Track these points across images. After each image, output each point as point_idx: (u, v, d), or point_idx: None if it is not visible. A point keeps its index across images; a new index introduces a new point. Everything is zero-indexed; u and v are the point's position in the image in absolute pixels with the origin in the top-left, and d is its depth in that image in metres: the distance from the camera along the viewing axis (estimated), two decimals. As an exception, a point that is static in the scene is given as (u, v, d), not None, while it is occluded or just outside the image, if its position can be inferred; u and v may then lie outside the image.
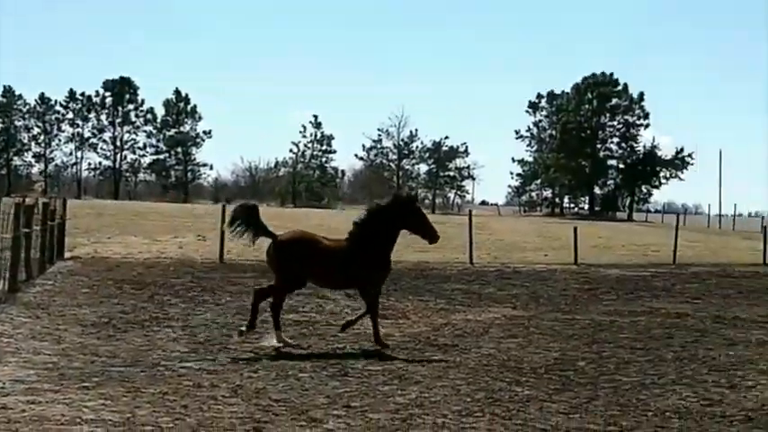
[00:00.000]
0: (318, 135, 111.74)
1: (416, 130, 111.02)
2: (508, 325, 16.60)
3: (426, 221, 13.72)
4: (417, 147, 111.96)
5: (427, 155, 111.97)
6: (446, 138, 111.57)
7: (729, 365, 12.97)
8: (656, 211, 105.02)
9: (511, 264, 31.79)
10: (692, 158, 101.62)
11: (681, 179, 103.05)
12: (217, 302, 18.42)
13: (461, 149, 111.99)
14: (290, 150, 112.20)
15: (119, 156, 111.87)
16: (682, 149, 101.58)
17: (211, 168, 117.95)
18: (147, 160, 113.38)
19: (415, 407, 9.68)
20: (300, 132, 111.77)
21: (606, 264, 33.49)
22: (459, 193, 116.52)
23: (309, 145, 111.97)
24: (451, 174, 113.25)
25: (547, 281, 26.14)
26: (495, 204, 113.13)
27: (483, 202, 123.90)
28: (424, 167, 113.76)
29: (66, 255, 28.01)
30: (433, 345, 14.03)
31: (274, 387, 10.43)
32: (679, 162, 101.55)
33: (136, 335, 14.01)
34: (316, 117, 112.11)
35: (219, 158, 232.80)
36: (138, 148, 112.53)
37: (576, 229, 35.08)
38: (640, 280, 27.46)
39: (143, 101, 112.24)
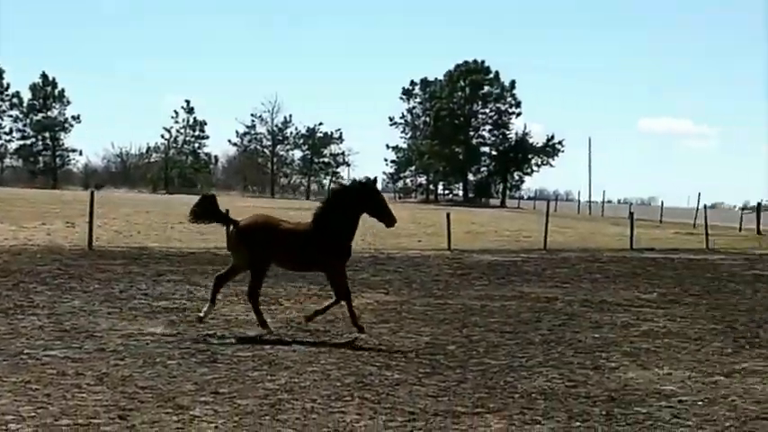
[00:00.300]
0: (191, 120, 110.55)
1: (290, 116, 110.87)
2: (380, 310, 16.67)
3: (386, 206, 14.00)
4: (291, 133, 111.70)
5: (302, 141, 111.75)
6: (320, 124, 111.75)
7: (595, 348, 13.26)
8: (529, 198, 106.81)
9: (385, 250, 31.90)
10: (562, 146, 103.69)
11: (552, 166, 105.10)
12: (85, 290, 18.00)
13: (336, 136, 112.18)
14: (162, 136, 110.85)
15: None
16: (552, 137, 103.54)
17: (81, 154, 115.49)
18: (13, 146, 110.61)
19: (285, 392, 9.64)
20: (173, 118, 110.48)
21: (479, 249, 33.87)
22: (333, 179, 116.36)
23: (182, 130, 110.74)
24: (326, 160, 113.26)
25: (420, 266, 26.30)
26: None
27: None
28: (298, 153, 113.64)
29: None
30: (304, 330, 13.97)
31: (141, 374, 10.27)
32: (550, 149, 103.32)
33: (-1, 322, 13.63)
34: (188, 102, 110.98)
35: (89, 144, 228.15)
36: (4, 133, 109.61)
37: (448, 216, 35.40)
38: (512, 265, 27.84)
39: (8, 85, 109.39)
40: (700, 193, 71.43)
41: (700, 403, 9.91)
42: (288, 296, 18.32)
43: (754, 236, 52.13)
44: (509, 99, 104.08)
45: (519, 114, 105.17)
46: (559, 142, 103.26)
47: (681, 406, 9.74)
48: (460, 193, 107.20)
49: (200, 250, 29.02)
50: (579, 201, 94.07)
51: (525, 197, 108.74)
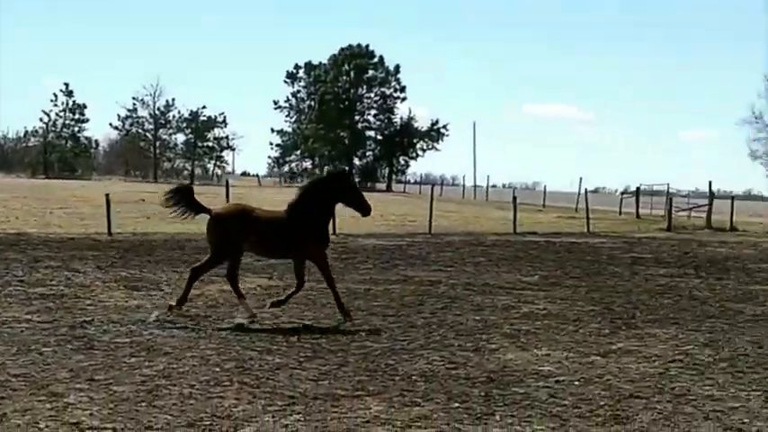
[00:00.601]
0: (71, 104, 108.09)
1: (173, 99, 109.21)
2: (263, 295, 16.56)
3: (361, 196, 14.32)
4: (174, 116, 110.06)
5: (185, 125, 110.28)
6: (204, 107, 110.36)
7: (475, 330, 13.40)
8: (415, 183, 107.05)
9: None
10: (447, 130, 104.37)
11: (437, 150, 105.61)
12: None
13: (220, 120, 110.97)
14: (41, 120, 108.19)
15: None
16: (437, 121, 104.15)
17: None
18: None
19: (162, 378, 9.50)
20: (51, 101, 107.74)
21: (364, 234, 33.88)
22: (218, 163, 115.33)
23: (61, 114, 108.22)
24: (210, 144, 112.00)
25: (304, 251, 26.20)
26: (256, 175, 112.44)
27: (244, 173, 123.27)
28: (181, 137, 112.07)
29: None
30: (185, 316, 13.77)
31: (14, 362, 10.03)
32: (435, 133, 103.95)
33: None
34: (67, 85, 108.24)
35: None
36: None
37: (333, 200, 35.26)
38: (396, 249, 27.94)
39: None
40: (581, 178, 72.24)
41: (576, 383, 10.06)
42: (168, 282, 18.06)
43: (633, 219, 53.26)
44: (393, 83, 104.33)
45: (404, 99, 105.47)
46: (444, 126, 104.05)
47: (557, 386, 9.88)
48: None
49: (80, 236, 28.46)
50: (464, 185, 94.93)
51: (411, 182, 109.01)
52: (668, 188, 60.70)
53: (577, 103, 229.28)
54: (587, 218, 43.51)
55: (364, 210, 14.24)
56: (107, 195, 30.43)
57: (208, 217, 13.81)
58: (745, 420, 8.81)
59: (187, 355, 10.69)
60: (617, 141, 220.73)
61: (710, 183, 50.76)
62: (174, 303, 13.63)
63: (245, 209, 14.02)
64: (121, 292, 16.34)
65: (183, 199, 13.88)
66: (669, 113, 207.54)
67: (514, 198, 42.58)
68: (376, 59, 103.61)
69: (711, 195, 50.40)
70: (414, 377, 10.03)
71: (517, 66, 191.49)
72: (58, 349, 10.76)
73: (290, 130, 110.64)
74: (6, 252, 22.44)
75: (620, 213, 58.28)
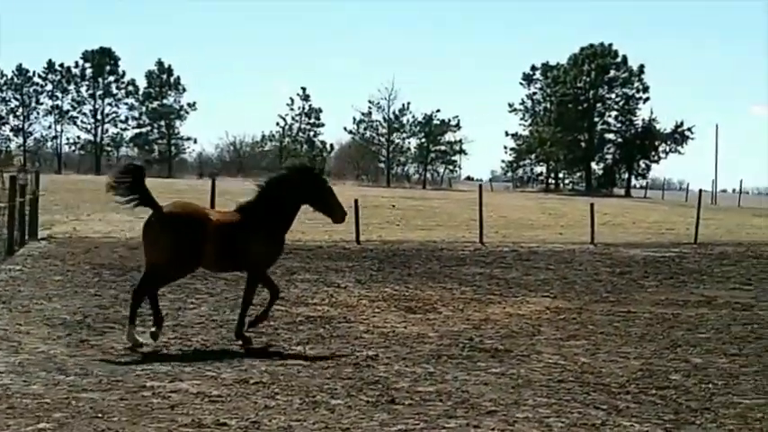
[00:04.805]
0: (306, 108, 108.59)
1: (408, 103, 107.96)
2: (557, 320, 13.99)
3: (333, 197, 11.83)
4: (408, 120, 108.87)
5: (418, 129, 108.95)
6: (437, 111, 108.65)
7: None
8: (641, 188, 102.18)
9: (524, 243, 29.39)
10: (692, 132, 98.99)
11: (681, 153, 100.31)
12: (210, 292, 15.73)
13: (453, 123, 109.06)
14: (277, 124, 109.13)
15: (99, 129, 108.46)
16: (681, 123, 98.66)
17: (195, 142, 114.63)
18: (129, 134, 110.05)
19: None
20: (288, 105, 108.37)
21: (623, 243, 31.10)
22: (449, 167, 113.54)
23: (297, 118, 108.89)
24: (443, 148, 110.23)
25: (570, 263, 23.70)
26: (480, 180, 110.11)
27: (468, 178, 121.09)
28: (414, 142, 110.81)
29: (42, 234, 25.37)
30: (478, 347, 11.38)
31: (302, 423, 7.77)
32: (678, 136, 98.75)
33: (116, 338, 11.31)
34: (304, 89, 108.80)
35: (204, 132, 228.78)
36: (120, 121, 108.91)
37: (592, 206, 32.63)
38: (670, 261, 25.19)
39: (124, 72, 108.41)
40: None
41: None
42: (443, 301, 15.75)
43: None
44: (636, 84, 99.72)
45: (647, 100, 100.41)
46: (689, 129, 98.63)
47: None
48: (581, 182, 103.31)
49: (328, 243, 26.78)
50: (715, 192, 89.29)
51: (642, 186, 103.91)
52: None
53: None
54: None
55: (337, 215, 11.77)
56: (356, 201, 28.59)
57: (150, 214, 11.12)
58: None
59: (518, 416, 8.15)
60: None
61: None
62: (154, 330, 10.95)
63: (198, 209, 11.43)
64: (395, 314, 14.16)
65: (134, 183, 11.05)
66: None
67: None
68: (619, 59, 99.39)
69: None
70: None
71: (740, 67, 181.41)
72: (350, 402, 8.43)
73: (525, 133, 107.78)
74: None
75: None
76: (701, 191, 41.01)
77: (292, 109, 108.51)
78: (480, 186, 35.06)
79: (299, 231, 30.39)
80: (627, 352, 11.58)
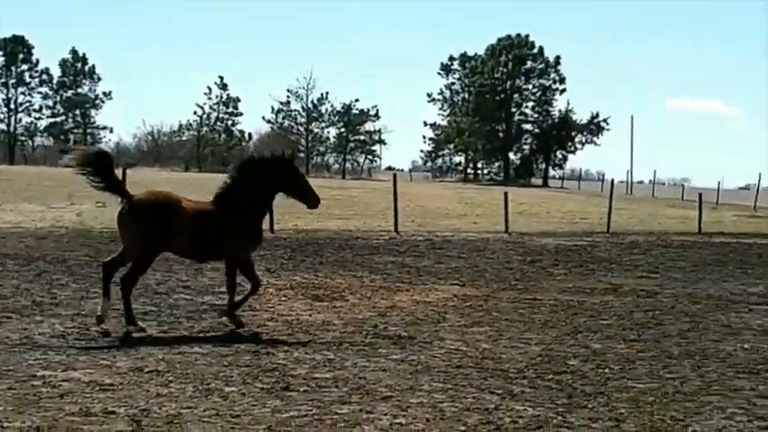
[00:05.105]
0: (224, 97, 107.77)
1: (326, 92, 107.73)
2: (463, 307, 14.06)
3: (307, 184, 12.22)
4: (327, 110, 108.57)
5: (337, 118, 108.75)
6: (356, 101, 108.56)
7: (756, 364, 10.57)
8: (560, 178, 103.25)
9: (439, 232, 29.48)
10: (607, 123, 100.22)
11: (596, 144, 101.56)
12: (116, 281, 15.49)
13: (372, 113, 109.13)
14: (195, 113, 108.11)
15: (13, 119, 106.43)
16: (597, 114, 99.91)
17: (111, 132, 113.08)
18: (43, 123, 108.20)
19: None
20: (206, 94, 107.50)
21: (537, 232, 31.40)
22: (369, 157, 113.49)
23: (215, 107, 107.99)
24: (362, 138, 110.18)
25: (483, 251, 23.85)
26: (401, 170, 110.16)
27: (389, 168, 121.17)
28: (333, 131, 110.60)
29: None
30: (386, 335, 11.38)
31: (193, 410, 7.67)
32: (594, 127, 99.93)
33: (11, 328, 11.09)
34: (222, 78, 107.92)
35: (121, 121, 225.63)
36: (34, 110, 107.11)
37: (506, 196, 32.87)
38: (581, 250, 25.54)
39: (38, 61, 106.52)
40: (760, 174, 67.46)
41: None
42: (351, 289, 15.72)
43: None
44: (553, 75, 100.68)
45: (563, 91, 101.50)
46: (605, 120, 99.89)
47: None
48: (498, 171, 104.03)
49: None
50: (631, 181, 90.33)
51: (559, 177, 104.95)
52: None
53: (722, 98, 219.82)
54: (779, 217, 39.93)
55: (312, 201, 12.03)
56: (269, 190, 28.35)
57: (122, 205, 11.25)
58: None
59: (412, 401, 8.19)
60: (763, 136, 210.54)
61: None
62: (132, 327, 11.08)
63: (172, 198, 11.43)
64: (301, 302, 14.10)
65: (101, 170, 11.13)
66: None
67: (700, 195, 39.35)
68: (535, 50, 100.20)
69: None
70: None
71: (657, 60, 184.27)
72: (244, 389, 8.38)
73: (443, 123, 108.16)
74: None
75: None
76: (612, 181, 41.57)
77: (210, 98, 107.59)
78: (395, 176, 35.04)
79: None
80: (529, 338, 11.68)
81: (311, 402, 7.89)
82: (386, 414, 7.61)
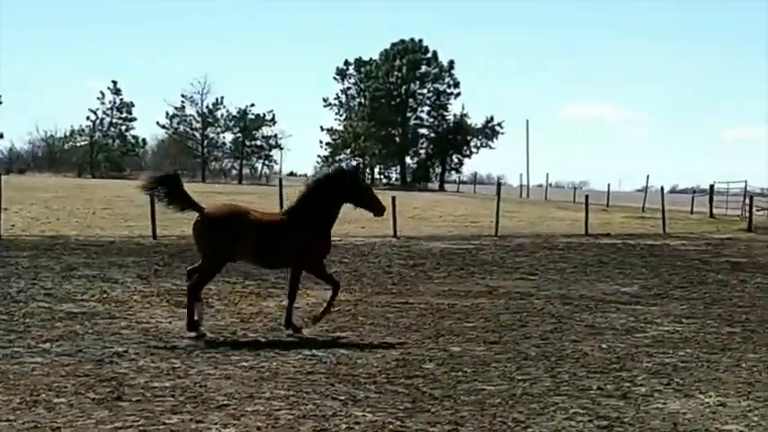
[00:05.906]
0: (118, 102, 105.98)
1: (222, 97, 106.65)
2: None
3: (373, 194, 12.97)
4: (222, 115, 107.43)
5: (233, 123, 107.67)
6: (252, 105, 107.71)
7: (608, 364, 10.60)
8: (462, 182, 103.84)
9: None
10: (502, 127, 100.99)
11: (492, 148, 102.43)
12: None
13: (268, 118, 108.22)
14: (88, 118, 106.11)
15: None
16: (492, 118, 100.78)
17: (2, 137, 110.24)
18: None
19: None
20: (99, 99, 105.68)
21: (425, 236, 31.46)
22: (266, 163, 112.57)
23: (108, 112, 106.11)
24: (259, 143, 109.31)
25: (366, 256, 23.73)
26: (304, 175, 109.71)
27: (291, 173, 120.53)
28: (229, 136, 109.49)
29: None
30: (237, 343, 11.12)
31: (11, 424, 7.33)
32: (489, 131, 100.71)
33: None
34: (115, 83, 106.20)
35: (13, 127, 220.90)
36: None
37: (393, 200, 32.79)
38: (466, 253, 25.56)
39: None
40: (648, 176, 68.90)
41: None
42: (219, 295, 15.43)
43: (708, 219, 50.16)
44: (447, 79, 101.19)
45: (458, 95, 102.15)
46: (499, 124, 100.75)
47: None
48: (396, 177, 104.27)
49: (123, 239, 26.04)
50: (528, 185, 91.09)
51: (456, 181, 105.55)
52: (746, 186, 57.29)
53: (618, 102, 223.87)
54: (663, 218, 40.66)
55: (378, 210, 12.81)
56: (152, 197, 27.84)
57: (196, 216, 11.99)
58: None
59: (248, 409, 7.95)
60: (659, 140, 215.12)
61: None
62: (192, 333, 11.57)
63: (241, 210, 12.26)
64: (164, 310, 13.78)
65: (172, 189, 12.04)
66: (710, 113, 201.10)
67: (587, 197, 39.93)
68: (429, 55, 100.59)
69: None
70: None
71: (556, 64, 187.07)
72: (74, 400, 8.04)
73: (340, 128, 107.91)
74: (39, 258, 20.00)
75: (692, 213, 55.20)
76: (499, 184, 42.12)
77: (103, 103, 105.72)
78: (281, 180, 34.80)
79: (98, 227, 29.60)
80: (390, 342, 11.54)
81: (140, 413, 7.60)
82: (216, 423, 7.36)
